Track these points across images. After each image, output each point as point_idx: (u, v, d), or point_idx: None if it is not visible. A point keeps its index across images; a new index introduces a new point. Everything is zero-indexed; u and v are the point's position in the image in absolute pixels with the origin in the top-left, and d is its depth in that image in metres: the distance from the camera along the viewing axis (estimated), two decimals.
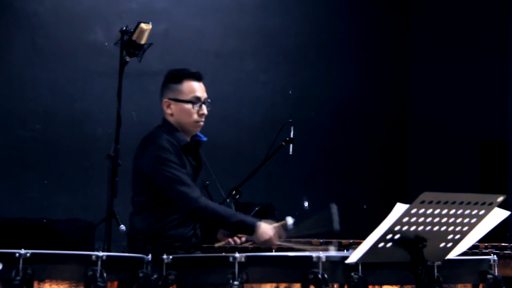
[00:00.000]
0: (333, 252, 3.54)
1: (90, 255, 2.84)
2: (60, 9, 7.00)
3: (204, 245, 4.46)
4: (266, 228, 3.78)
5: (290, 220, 3.88)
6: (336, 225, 3.72)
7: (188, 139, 3.98)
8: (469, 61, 8.18)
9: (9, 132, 6.75)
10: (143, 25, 5.95)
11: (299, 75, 8.02)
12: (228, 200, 5.03)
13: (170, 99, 3.95)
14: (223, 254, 2.90)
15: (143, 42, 5.99)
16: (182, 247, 3.86)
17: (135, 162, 3.94)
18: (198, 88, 3.96)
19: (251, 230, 3.77)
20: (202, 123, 3.98)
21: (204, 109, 3.95)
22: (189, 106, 3.92)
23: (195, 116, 3.93)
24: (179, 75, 3.96)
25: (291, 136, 5.80)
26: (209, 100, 3.98)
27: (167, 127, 3.95)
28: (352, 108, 8.25)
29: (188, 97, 3.93)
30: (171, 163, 3.78)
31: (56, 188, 6.81)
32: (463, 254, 3.09)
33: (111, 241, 5.76)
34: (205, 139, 4.05)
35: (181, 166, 3.81)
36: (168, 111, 3.95)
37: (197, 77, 3.98)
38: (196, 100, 3.93)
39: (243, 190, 5.57)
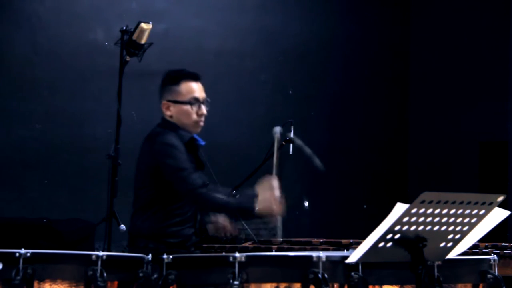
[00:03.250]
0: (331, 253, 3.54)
1: (90, 255, 2.84)
2: (60, 9, 7.00)
3: (204, 245, 4.46)
4: (265, 201, 3.77)
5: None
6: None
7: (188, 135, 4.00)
8: (469, 60, 8.18)
9: (9, 132, 6.75)
10: (143, 25, 5.95)
11: (299, 75, 8.02)
12: None
13: (169, 101, 3.95)
14: (223, 254, 2.91)
15: (143, 42, 5.99)
16: (184, 245, 3.86)
17: (140, 158, 3.94)
18: (196, 89, 3.96)
19: (251, 212, 3.78)
20: (202, 123, 3.98)
21: (203, 109, 3.96)
22: (187, 107, 3.93)
23: (195, 117, 3.94)
24: (176, 76, 3.97)
25: (291, 136, 5.81)
26: (208, 100, 3.99)
27: (169, 125, 3.95)
28: (352, 108, 8.25)
29: (186, 98, 3.93)
30: (177, 153, 3.81)
31: (56, 188, 6.80)
32: (463, 254, 3.09)
33: (111, 241, 5.77)
34: (203, 143, 4.05)
35: (187, 160, 3.84)
36: (168, 112, 3.96)
37: (195, 78, 3.99)
38: (194, 101, 3.93)
39: (243, 190, 5.56)
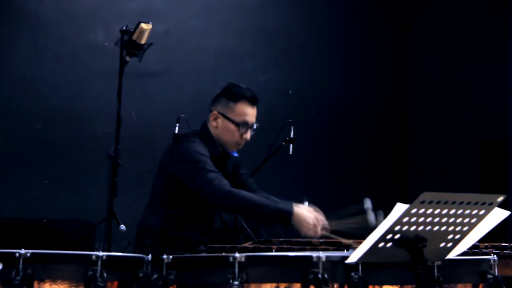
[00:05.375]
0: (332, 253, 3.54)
1: (90, 255, 2.84)
2: (60, 9, 6.99)
3: None
4: (305, 216, 3.72)
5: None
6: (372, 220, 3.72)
7: (220, 150, 3.97)
8: (469, 61, 8.19)
9: (9, 132, 6.75)
10: (143, 25, 5.95)
11: (299, 75, 8.02)
12: None
13: (219, 112, 3.92)
14: (223, 254, 2.90)
15: (143, 42, 5.99)
16: (189, 251, 3.84)
17: (164, 158, 3.92)
18: (250, 113, 3.92)
19: (287, 219, 3.70)
20: (241, 146, 3.96)
21: (249, 135, 3.93)
22: (235, 127, 3.90)
23: (238, 138, 3.90)
24: (236, 94, 3.93)
25: (291, 136, 5.82)
26: (255, 126, 3.95)
27: (205, 135, 3.92)
28: (352, 108, 8.25)
29: (238, 119, 3.89)
30: (203, 156, 3.78)
31: (56, 188, 6.80)
32: (463, 254, 3.09)
33: (111, 241, 5.77)
34: (236, 155, 4.03)
35: (211, 163, 3.80)
36: (214, 123, 3.92)
37: (253, 102, 3.95)
38: (244, 124, 3.90)
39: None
